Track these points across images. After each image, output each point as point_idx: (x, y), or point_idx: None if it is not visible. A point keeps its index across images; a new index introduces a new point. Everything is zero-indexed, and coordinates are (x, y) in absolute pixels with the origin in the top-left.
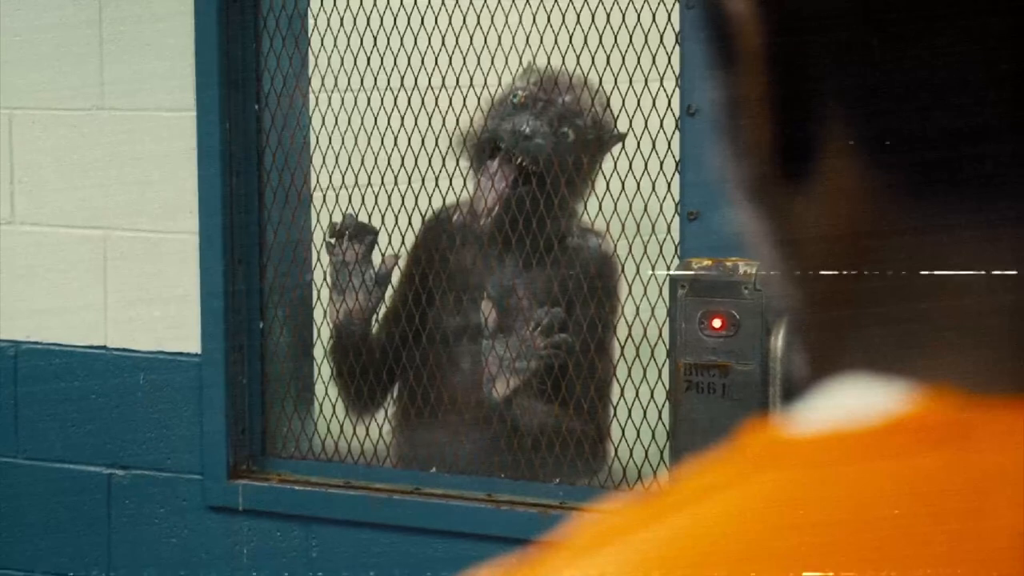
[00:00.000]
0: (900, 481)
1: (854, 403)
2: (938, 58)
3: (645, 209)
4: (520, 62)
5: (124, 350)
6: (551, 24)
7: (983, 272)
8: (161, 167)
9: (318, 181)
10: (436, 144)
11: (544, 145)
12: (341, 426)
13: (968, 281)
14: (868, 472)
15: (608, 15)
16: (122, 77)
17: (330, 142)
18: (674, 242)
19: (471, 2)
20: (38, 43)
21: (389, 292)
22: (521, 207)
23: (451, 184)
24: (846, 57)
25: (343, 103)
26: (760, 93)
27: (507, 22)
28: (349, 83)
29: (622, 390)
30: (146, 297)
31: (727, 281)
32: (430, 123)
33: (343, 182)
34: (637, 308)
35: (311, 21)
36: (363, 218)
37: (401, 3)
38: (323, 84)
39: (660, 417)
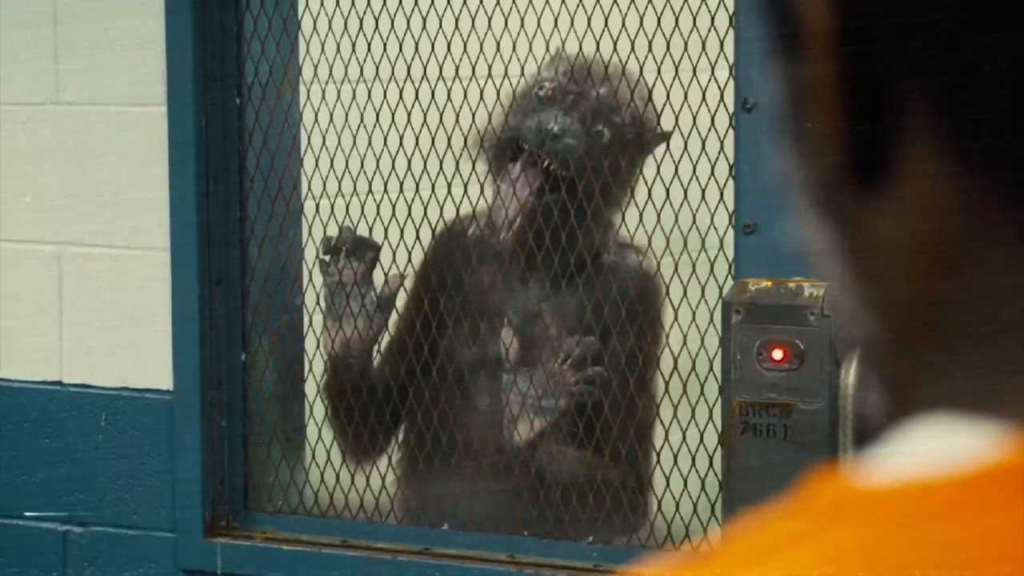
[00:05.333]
0: (994, 539)
1: (938, 448)
2: None
3: (694, 221)
4: (547, 48)
5: (83, 386)
6: (583, 4)
7: None
8: (126, 172)
9: (310, 188)
10: (448, 145)
11: (575, 145)
12: (337, 476)
13: None
14: (956, 529)
15: None
16: (80, 65)
17: (324, 142)
18: (727, 259)
19: None
20: None
21: (393, 318)
22: (548, 218)
23: (466, 192)
24: (930, 40)
25: (339, 97)
26: (828, 84)
27: (531, 2)
28: (346, 73)
29: (667, 433)
30: (109, 324)
31: (789, 305)
32: (441, 120)
33: (339, 189)
34: (684, 337)
35: (301, 1)
36: (362, 232)
37: None
38: (315, 75)
39: (711, 465)
